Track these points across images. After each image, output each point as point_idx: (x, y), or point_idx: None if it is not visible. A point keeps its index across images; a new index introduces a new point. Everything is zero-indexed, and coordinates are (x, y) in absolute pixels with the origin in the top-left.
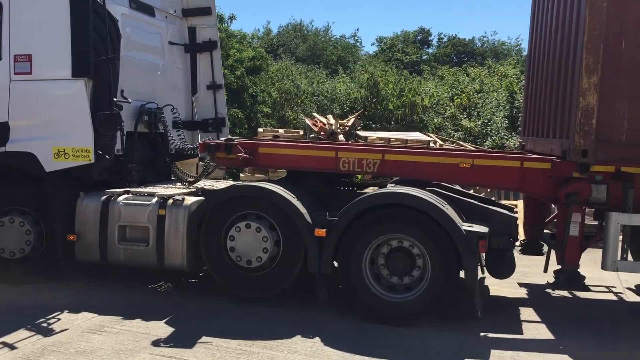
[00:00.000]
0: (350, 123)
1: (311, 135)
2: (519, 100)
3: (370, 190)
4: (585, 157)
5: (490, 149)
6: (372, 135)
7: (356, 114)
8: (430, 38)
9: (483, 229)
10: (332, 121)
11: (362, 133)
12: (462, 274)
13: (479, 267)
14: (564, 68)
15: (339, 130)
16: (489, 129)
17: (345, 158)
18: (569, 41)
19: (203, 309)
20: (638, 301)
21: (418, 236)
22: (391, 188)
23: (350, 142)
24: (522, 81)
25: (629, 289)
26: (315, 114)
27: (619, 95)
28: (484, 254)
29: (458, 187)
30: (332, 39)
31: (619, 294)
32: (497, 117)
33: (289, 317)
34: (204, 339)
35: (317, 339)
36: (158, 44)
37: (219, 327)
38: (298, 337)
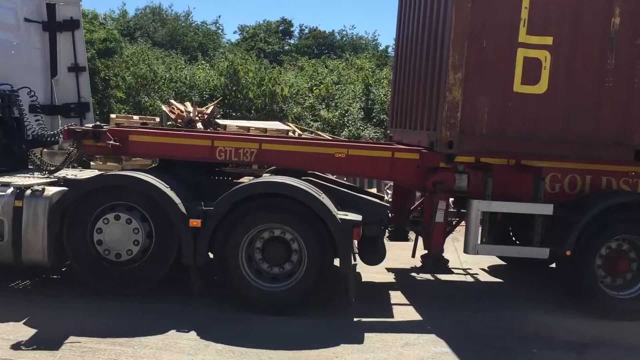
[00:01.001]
0: (209, 111)
1: (168, 123)
2: (374, 92)
3: (245, 180)
4: (450, 148)
5: (347, 139)
6: (232, 123)
7: (215, 101)
8: (292, 29)
9: (357, 217)
10: (190, 108)
11: (221, 121)
12: (336, 261)
13: (353, 254)
14: (431, 64)
15: (197, 118)
16: (346, 120)
17: (221, 147)
18: (436, 38)
19: (55, 307)
20: (492, 281)
21: (294, 225)
22: (267, 177)
23: (209, 130)
24: (377, 74)
25: (483, 269)
26: (172, 101)
27: (481, 91)
28: (357, 242)
29: (331, 177)
30: (193, 24)
31: (474, 275)
32: (353, 108)
33: (152, 311)
34: (48, 338)
35: (173, 332)
36: (12, 20)
37: (69, 325)
38: (153, 331)
